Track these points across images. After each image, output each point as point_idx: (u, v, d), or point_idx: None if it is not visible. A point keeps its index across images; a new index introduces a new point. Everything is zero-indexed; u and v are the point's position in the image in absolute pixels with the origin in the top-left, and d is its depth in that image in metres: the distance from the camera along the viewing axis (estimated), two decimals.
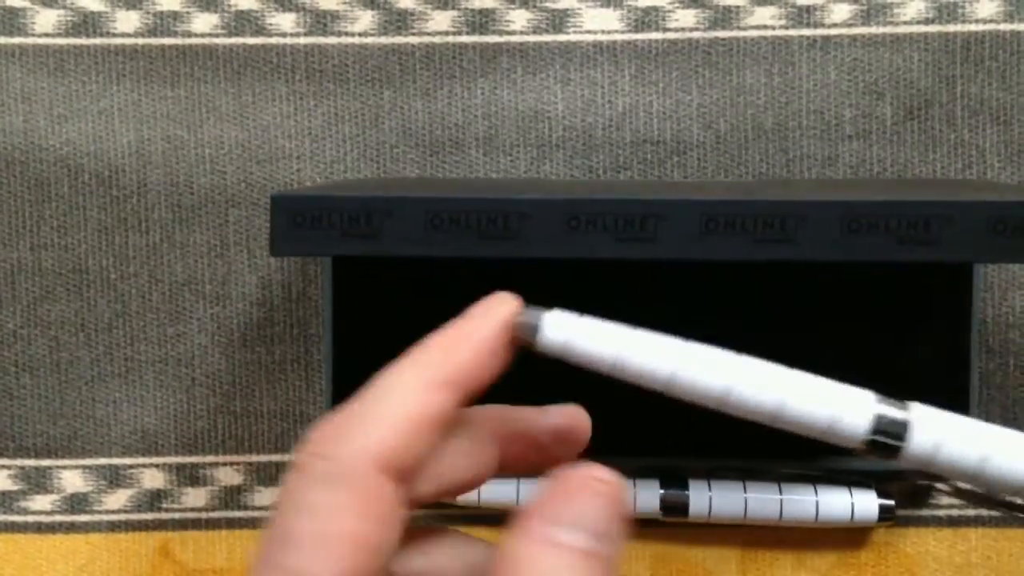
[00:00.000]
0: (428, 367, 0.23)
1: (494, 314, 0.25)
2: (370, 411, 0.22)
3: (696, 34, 0.43)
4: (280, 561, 0.20)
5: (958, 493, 0.38)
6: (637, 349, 0.25)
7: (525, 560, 0.21)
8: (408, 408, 0.22)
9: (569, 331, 0.26)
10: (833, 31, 0.43)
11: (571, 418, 0.27)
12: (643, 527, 0.43)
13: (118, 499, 0.44)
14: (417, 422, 0.22)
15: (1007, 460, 0.24)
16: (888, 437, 0.24)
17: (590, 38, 0.43)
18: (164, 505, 0.44)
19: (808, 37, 0.43)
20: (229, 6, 0.43)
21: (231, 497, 0.44)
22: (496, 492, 0.41)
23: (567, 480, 0.22)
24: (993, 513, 0.43)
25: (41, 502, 0.44)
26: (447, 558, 0.24)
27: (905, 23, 0.43)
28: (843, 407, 0.24)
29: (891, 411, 0.24)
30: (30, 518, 0.44)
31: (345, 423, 0.22)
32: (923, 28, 0.42)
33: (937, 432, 0.24)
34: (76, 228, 0.43)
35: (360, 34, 0.43)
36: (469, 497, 0.41)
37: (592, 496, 0.22)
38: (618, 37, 0.43)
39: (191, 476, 0.44)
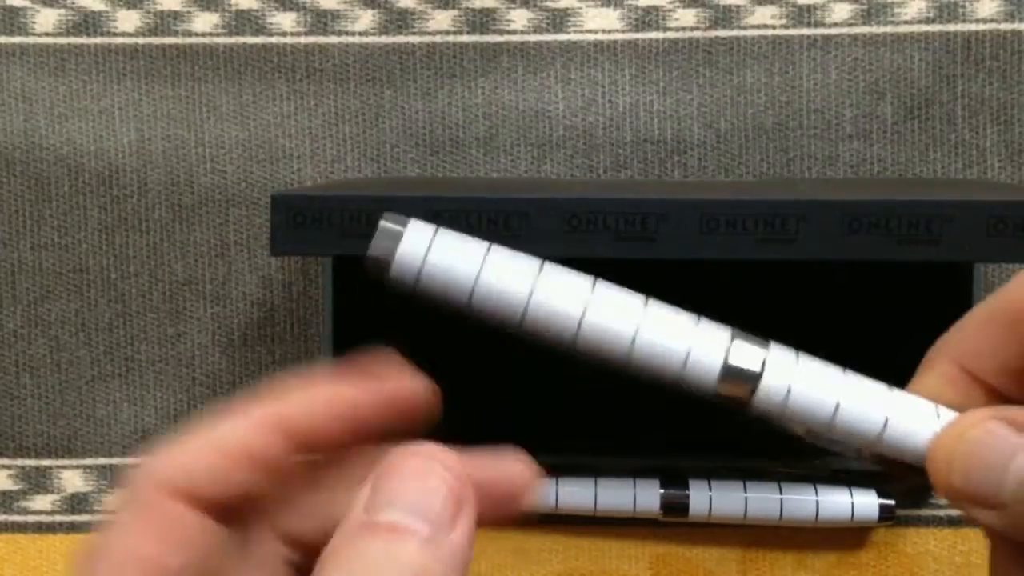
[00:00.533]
0: (263, 406, 0.23)
1: (360, 379, 0.24)
2: (187, 440, 0.22)
3: (696, 33, 0.43)
4: (83, 570, 0.21)
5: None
6: (492, 270, 0.23)
7: (345, 546, 0.20)
8: (220, 439, 0.22)
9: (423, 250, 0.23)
10: (834, 31, 0.43)
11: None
12: (643, 527, 0.43)
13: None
14: (226, 455, 0.22)
15: (860, 409, 0.22)
16: (741, 379, 0.22)
17: (591, 37, 0.43)
18: None
19: (809, 36, 0.43)
20: (229, 5, 0.43)
21: None
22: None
23: (390, 461, 0.21)
24: None
25: (41, 502, 0.44)
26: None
27: (906, 23, 0.43)
28: (699, 341, 0.22)
29: (746, 348, 0.22)
30: (30, 518, 0.44)
31: (163, 448, 0.22)
32: (924, 27, 0.42)
33: (789, 375, 0.22)
34: (76, 228, 0.43)
35: (360, 33, 0.43)
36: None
37: (417, 477, 0.21)
38: (619, 36, 0.43)
39: None
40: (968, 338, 0.24)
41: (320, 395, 0.24)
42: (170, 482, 0.22)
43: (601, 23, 0.43)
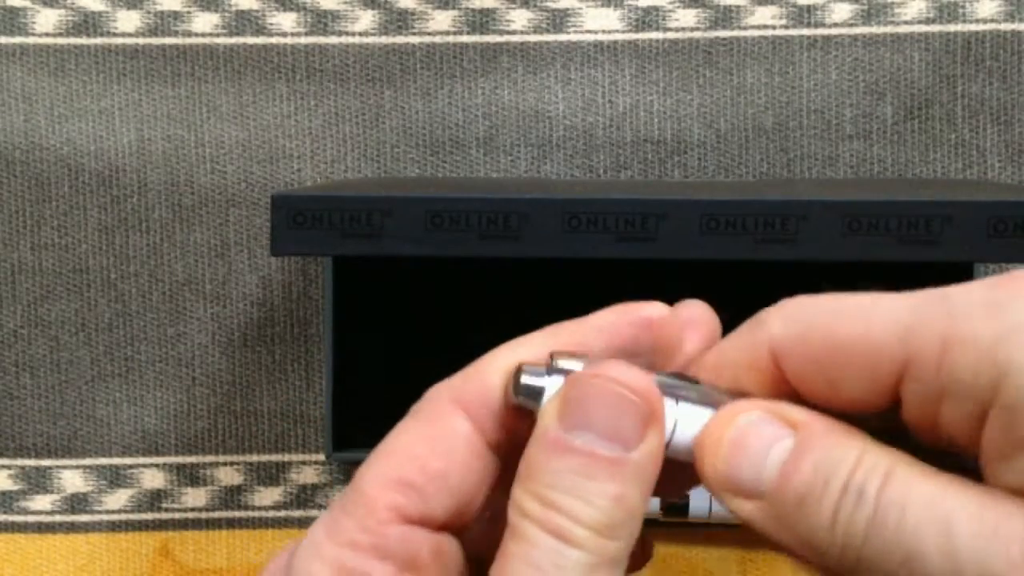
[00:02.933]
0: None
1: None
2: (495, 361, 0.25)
3: (697, 34, 0.43)
4: (368, 463, 0.24)
5: None
6: None
7: (535, 462, 0.22)
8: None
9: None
10: (834, 31, 0.43)
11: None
12: (643, 527, 0.43)
13: (118, 499, 0.44)
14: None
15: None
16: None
17: (591, 38, 0.43)
18: (164, 505, 0.44)
19: (809, 37, 0.43)
20: (230, 6, 0.43)
21: (231, 497, 0.44)
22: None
23: (580, 381, 0.22)
24: None
25: (41, 502, 0.44)
26: None
27: (906, 23, 0.43)
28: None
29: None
30: (30, 518, 0.44)
31: (473, 372, 0.25)
32: (924, 28, 0.42)
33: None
34: (76, 228, 0.43)
35: (360, 34, 0.43)
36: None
37: (606, 399, 0.22)
38: (619, 37, 0.43)
39: (191, 476, 0.44)
40: (728, 364, 0.24)
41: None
42: (462, 400, 0.24)
43: (601, 23, 0.43)
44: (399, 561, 0.23)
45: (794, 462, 0.20)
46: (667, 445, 0.22)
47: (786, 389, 0.22)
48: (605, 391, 0.22)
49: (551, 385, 0.22)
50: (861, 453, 0.20)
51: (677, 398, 0.23)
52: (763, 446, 0.21)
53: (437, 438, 0.24)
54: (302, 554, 0.23)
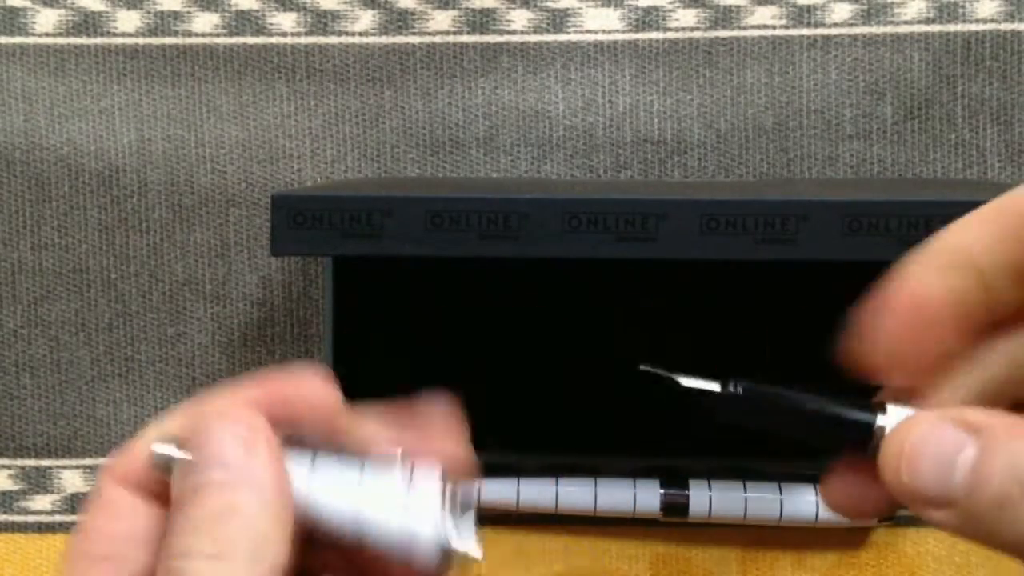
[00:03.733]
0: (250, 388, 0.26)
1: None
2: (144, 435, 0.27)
3: (697, 34, 0.43)
4: (66, 551, 0.25)
5: None
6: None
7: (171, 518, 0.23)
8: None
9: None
10: (834, 31, 0.43)
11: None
12: (643, 527, 0.43)
13: None
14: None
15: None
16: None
17: (591, 38, 0.43)
18: None
19: (809, 37, 0.43)
20: (230, 6, 0.43)
21: None
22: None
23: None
24: None
25: (41, 502, 0.44)
26: None
27: (906, 23, 0.43)
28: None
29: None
30: (30, 518, 0.44)
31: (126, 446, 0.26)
32: (924, 28, 0.42)
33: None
34: (76, 228, 0.43)
35: (361, 34, 0.43)
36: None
37: (209, 435, 0.24)
38: (619, 37, 0.43)
39: None
40: (972, 231, 0.23)
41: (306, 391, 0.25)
42: (118, 475, 0.25)
43: (601, 23, 0.43)
44: None
45: (984, 468, 0.20)
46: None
47: None
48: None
49: (178, 455, 0.24)
50: None
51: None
52: (947, 454, 0.21)
53: (107, 509, 0.25)
54: None
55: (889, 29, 0.43)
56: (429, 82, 0.43)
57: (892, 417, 0.23)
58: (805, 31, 0.43)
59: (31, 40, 0.43)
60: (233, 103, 0.43)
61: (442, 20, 0.43)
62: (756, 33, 0.43)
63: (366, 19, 0.43)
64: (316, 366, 0.26)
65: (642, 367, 0.26)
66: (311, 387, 0.25)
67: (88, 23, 0.43)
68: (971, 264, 0.22)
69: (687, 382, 0.25)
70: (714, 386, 0.25)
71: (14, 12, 0.43)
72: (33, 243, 0.44)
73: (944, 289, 0.22)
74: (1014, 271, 0.22)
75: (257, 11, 0.43)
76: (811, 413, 0.24)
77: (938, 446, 0.21)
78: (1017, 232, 0.22)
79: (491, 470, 0.41)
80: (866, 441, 0.23)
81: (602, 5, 0.43)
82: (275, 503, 0.23)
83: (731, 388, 0.25)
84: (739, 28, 0.43)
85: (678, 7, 0.43)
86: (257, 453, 0.23)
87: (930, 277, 0.22)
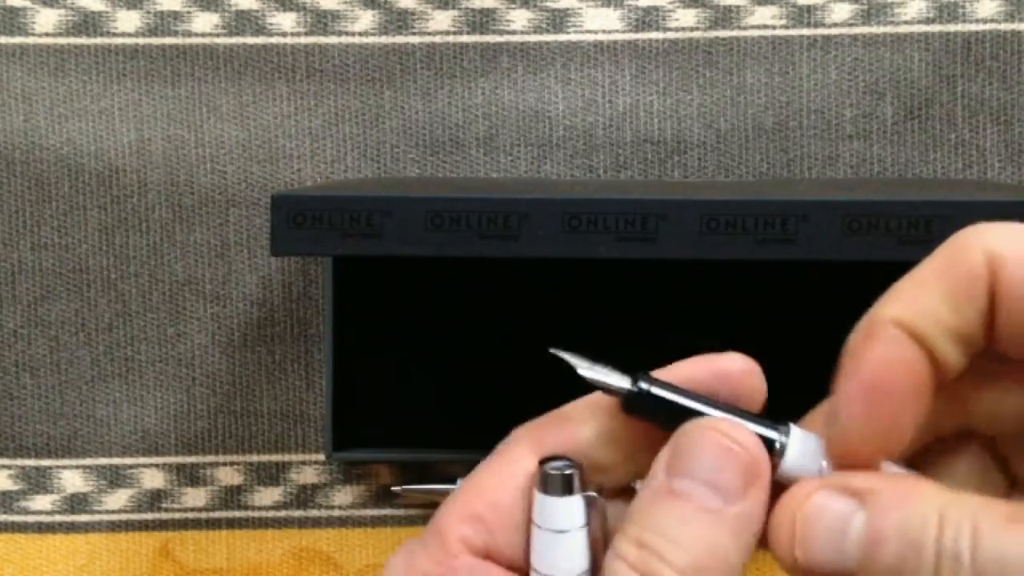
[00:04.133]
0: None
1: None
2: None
3: (697, 34, 0.43)
4: (447, 499, 0.26)
5: None
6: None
7: (638, 509, 0.22)
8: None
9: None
10: (834, 31, 0.43)
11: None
12: None
13: (118, 499, 0.44)
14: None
15: None
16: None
17: (591, 38, 0.43)
18: (164, 505, 0.44)
19: (809, 37, 0.43)
20: (229, 6, 0.43)
21: (231, 497, 0.44)
22: None
23: (689, 431, 0.23)
24: None
25: (41, 502, 0.44)
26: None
27: (906, 23, 0.43)
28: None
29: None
30: (30, 518, 0.44)
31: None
32: (924, 28, 0.42)
33: None
34: (76, 228, 0.43)
35: (360, 34, 0.43)
36: None
37: (713, 450, 0.22)
38: (619, 37, 0.43)
39: (191, 476, 0.44)
40: (912, 299, 0.23)
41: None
42: (539, 442, 0.25)
43: (601, 23, 0.43)
44: None
45: (875, 534, 0.20)
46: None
47: (988, 320, 0.21)
48: (712, 441, 0.23)
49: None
50: (941, 511, 0.20)
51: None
52: (836, 524, 0.21)
53: (507, 475, 0.25)
54: None
55: (889, 29, 0.43)
56: (429, 82, 0.43)
57: (795, 439, 0.23)
58: (805, 31, 0.43)
59: (31, 40, 0.43)
60: (233, 103, 0.43)
61: (442, 20, 0.43)
62: (756, 33, 0.43)
63: (366, 19, 0.43)
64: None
65: (551, 350, 0.26)
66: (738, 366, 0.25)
67: (88, 23, 0.43)
68: (917, 335, 0.22)
69: (589, 372, 0.25)
70: (623, 381, 0.25)
71: (14, 12, 0.43)
72: (33, 243, 0.44)
73: (897, 367, 0.22)
74: (957, 336, 0.22)
75: (257, 11, 0.43)
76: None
77: (827, 518, 0.21)
78: (955, 297, 0.22)
79: None
80: (770, 457, 0.23)
81: (602, 5, 0.43)
82: (749, 550, 0.23)
83: (638, 386, 0.25)
84: (739, 28, 0.43)
85: (678, 7, 0.43)
86: (753, 497, 0.22)
87: (880, 355, 0.22)
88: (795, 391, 0.43)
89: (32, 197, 0.43)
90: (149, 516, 0.44)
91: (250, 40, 0.43)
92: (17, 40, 0.43)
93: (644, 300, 0.42)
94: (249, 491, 0.44)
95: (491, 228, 0.29)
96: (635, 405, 0.25)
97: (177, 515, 0.44)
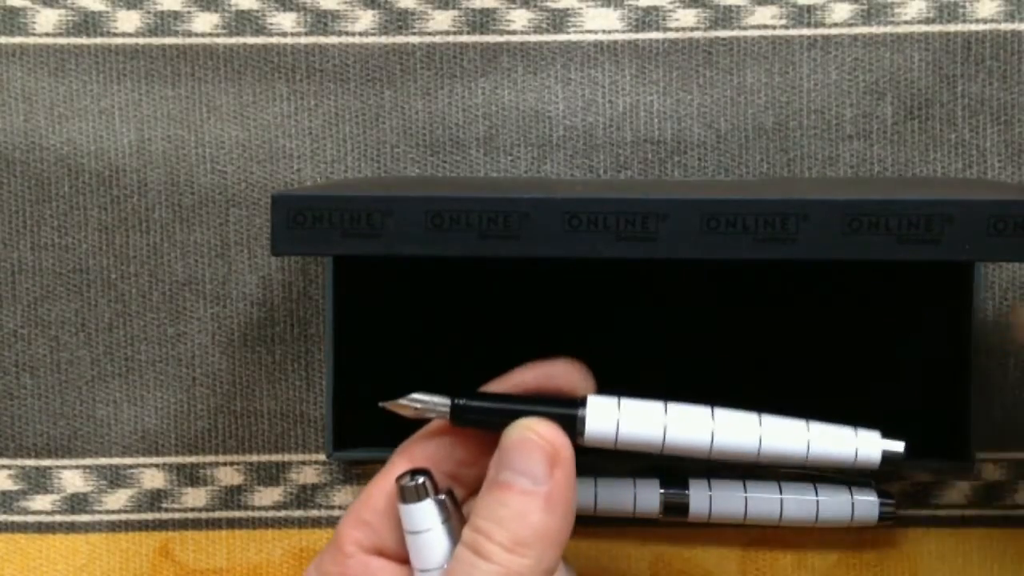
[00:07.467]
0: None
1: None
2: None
3: (697, 34, 0.43)
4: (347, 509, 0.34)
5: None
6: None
7: (477, 503, 0.30)
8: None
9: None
10: (834, 31, 0.43)
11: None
12: (643, 527, 0.43)
13: (118, 499, 0.44)
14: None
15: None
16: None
17: (591, 38, 0.43)
18: (164, 505, 0.44)
19: (809, 37, 0.43)
20: (229, 5, 0.43)
21: (231, 497, 0.44)
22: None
23: (507, 434, 0.31)
24: (995, 513, 0.43)
25: (41, 502, 0.44)
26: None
27: (906, 23, 0.43)
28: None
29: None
30: (30, 518, 0.44)
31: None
32: (924, 28, 0.42)
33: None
34: (76, 228, 0.43)
35: (361, 34, 0.43)
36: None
37: (519, 445, 0.30)
38: (619, 37, 0.43)
39: (191, 476, 0.44)
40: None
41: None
42: (409, 452, 0.34)
43: (601, 23, 0.43)
44: None
45: None
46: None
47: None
48: (521, 437, 0.30)
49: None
50: None
51: None
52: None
53: (387, 485, 0.32)
54: None
55: (889, 29, 0.43)
56: (429, 82, 0.43)
57: (592, 408, 0.32)
58: (805, 31, 0.43)
59: (31, 40, 0.43)
60: (233, 103, 0.43)
61: (442, 20, 0.43)
62: (756, 33, 0.43)
63: (366, 19, 0.43)
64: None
65: (380, 404, 0.33)
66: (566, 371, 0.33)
67: (88, 23, 0.43)
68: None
69: (416, 404, 0.32)
70: (445, 400, 0.32)
71: (14, 12, 0.43)
72: (33, 243, 0.43)
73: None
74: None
75: (257, 11, 0.43)
76: (526, 413, 0.31)
77: None
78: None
79: None
80: (576, 430, 0.31)
81: (602, 5, 0.43)
82: (565, 525, 0.29)
83: (455, 402, 0.32)
84: (739, 28, 0.43)
85: (678, 7, 0.43)
86: (558, 476, 0.29)
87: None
88: (795, 390, 0.43)
89: (32, 197, 0.43)
90: (149, 516, 0.44)
91: (250, 40, 0.43)
92: (17, 40, 0.43)
93: (644, 300, 0.42)
94: (249, 491, 0.44)
95: (491, 228, 0.29)
96: (459, 417, 0.32)
97: (177, 515, 0.44)
